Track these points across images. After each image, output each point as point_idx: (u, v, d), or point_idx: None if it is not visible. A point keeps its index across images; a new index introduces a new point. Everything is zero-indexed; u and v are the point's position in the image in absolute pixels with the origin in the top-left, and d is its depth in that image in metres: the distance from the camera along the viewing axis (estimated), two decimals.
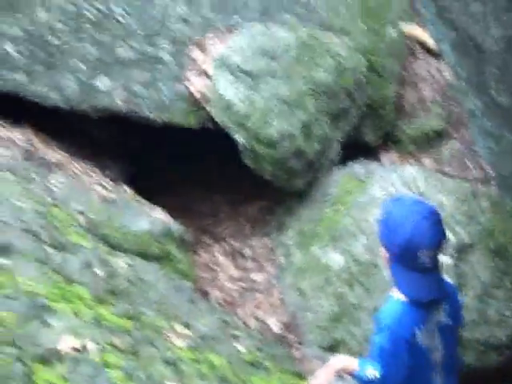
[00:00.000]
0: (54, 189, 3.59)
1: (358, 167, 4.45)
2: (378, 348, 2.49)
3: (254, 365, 3.03)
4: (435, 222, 2.47)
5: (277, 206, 4.66)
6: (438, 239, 2.48)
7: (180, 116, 4.54)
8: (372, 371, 2.49)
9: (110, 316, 2.61)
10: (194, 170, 4.75)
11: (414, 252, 2.40)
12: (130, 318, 2.72)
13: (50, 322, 2.24)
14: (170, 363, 2.56)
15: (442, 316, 2.60)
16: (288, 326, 3.95)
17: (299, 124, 4.39)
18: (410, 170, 4.27)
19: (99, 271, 2.95)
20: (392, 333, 2.47)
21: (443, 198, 4.01)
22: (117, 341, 2.44)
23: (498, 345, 3.65)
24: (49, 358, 2.16)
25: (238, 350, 3.15)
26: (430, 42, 5.27)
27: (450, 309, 2.63)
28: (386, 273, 3.50)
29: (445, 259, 3.70)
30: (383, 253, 2.54)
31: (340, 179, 4.40)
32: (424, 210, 2.45)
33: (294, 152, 4.37)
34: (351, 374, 2.62)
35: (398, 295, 2.56)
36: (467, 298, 3.67)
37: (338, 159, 4.60)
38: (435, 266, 2.50)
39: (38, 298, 2.37)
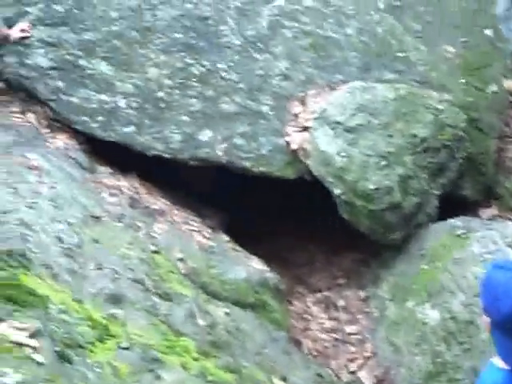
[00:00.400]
0: (157, 236, 3.75)
1: (456, 222, 4.41)
2: None
3: None
4: None
5: (372, 259, 4.67)
6: None
7: (278, 167, 4.67)
8: None
9: (214, 369, 2.69)
10: (290, 221, 4.84)
11: None
12: (231, 371, 2.79)
13: (162, 374, 2.33)
14: None
15: None
16: (381, 381, 3.92)
17: (397, 178, 4.42)
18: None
19: (201, 321, 3.05)
20: None
21: None
22: None
23: None
24: None
25: None
26: None
27: None
28: (486, 335, 3.46)
29: None
30: (485, 318, 2.51)
31: (438, 234, 4.37)
32: None
33: (390, 206, 4.39)
34: None
35: (500, 363, 2.52)
36: None
37: (435, 214, 4.58)
38: None
39: (150, 350, 2.48)
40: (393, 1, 5.15)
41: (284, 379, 3.05)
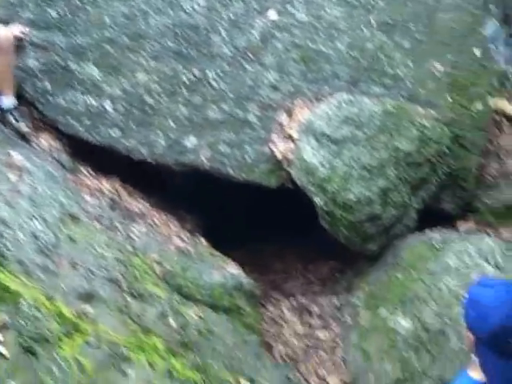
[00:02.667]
0: (135, 238, 3.81)
1: (433, 234, 4.47)
2: None
3: None
4: None
5: (348, 267, 4.73)
6: None
7: (261, 175, 4.74)
8: None
9: (182, 368, 2.74)
10: (270, 228, 4.90)
11: (506, 339, 2.39)
12: (199, 370, 2.84)
13: (128, 371, 2.38)
14: None
15: None
16: None
17: (378, 190, 4.47)
18: (488, 241, 4.25)
19: (173, 322, 3.11)
20: None
21: None
22: None
23: None
24: None
25: None
26: None
27: None
28: (456, 345, 3.51)
29: None
30: (468, 335, 2.56)
31: (414, 245, 4.43)
32: None
33: (370, 217, 4.45)
34: None
35: (474, 374, 2.56)
36: None
37: (414, 226, 4.64)
38: None
39: (118, 348, 2.53)
40: (385, 18, 5.22)
41: (251, 381, 3.10)
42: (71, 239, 3.34)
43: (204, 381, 2.76)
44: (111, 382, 2.31)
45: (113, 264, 3.31)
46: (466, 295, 2.62)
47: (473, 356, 2.57)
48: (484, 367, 2.50)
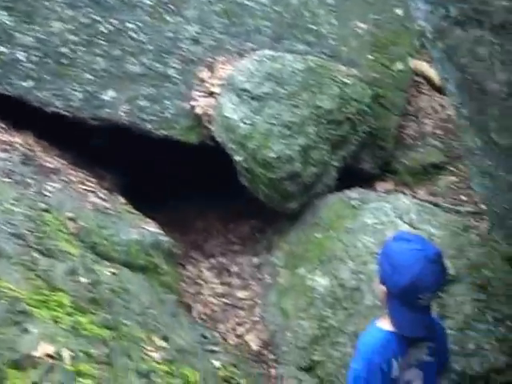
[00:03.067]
0: (49, 195, 3.67)
1: (352, 194, 4.50)
2: (354, 374, 2.57)
3: (229, 381, 3.07)
4: (440, 265, 2.54)
5: (268, 226, 4.73)
6: (440, 282, 2.58)
7: (181, 132, 4.65)
8: None
9: (89, 325, 2.66)
10: (189, 187, 4.83)
11: (416, 294, 2.48)
12: (108, 327, 2.76)
13: (29, 327, 2.29)
14: (144, 375, 2.60)
15: (424, 353, 2.69)
16: (267, 345, 3.99)
17: (298, 148, 4.45)
18: (404, 201, 4.31)
19: (84, 279, 3.01)
20: (370, 362, 2.55)
21: (435, 230, 4.04)
22: (92, 350, 2.48)
23: (474, 376, 3.67)
24: (23, 363, 2.20)
25: (214, 366, 3.19)
26: (436, 79, 5.33)
27: (436, 348, 2.72)
28: (370, 301, 3.59)
29: None
30: (380, 288, 2.60)
31: (333, 204, 4.45)
32: (430, 253, 2.50)
33: (290, 175, 4.44)
34: None
35: (383, 325, 2.64)
36: (448, 329, 3.70)
37: (334, 185, 4.66)
38: (429, 305, 2.59)
39: (19, 303, 2.43)
40: None
41: (165, 339, 3.05)
42: None
43: (114, 338, 2.69)
44: (11, 338, 2.21)
45: (21, 220, 3.17)
46: (381, 249, 2.67)
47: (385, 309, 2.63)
48: (394, 319, 2.58)
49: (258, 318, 4.14)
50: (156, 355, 2.90)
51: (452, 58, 2.68)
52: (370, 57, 5.15)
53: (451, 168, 5.10)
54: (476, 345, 3.70)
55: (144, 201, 4.47)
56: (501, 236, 4.19)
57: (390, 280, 2.53)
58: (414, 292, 2.47)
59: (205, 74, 4.77)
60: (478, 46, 2.46)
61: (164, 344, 3.06)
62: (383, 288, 2.59)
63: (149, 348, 2.92)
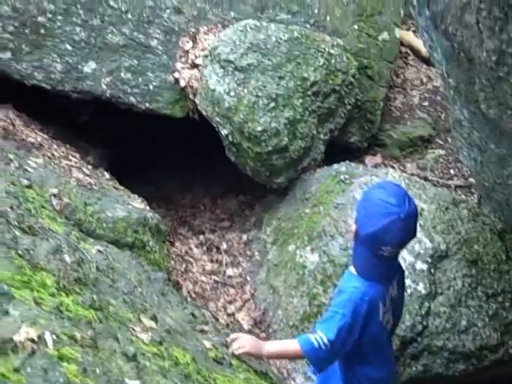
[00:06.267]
0: (31, 170, 3.53)
1: (340, 168, 4.42)
2: (339, 316, 2.58)
3: (219, 362, 2.97)
4: (410, 224, 2.56)
5: (257, 202, 4.64)
6: (406, 241, 2.62)
7: (165, 105, 4.53)
8: (321, 335, 2.58)
9: (74, 306, 2.54)
10: (177, 162, 4.71)
11: (378, 245, 2.53)
12: (94, 308, 2.65)
13: (9, 309, 2.17)
14: (131, 358, 2.49)
15: (393, 290, 2.78)
16: (258, 323, 3.93)
17: (285, 121, 4.36)
18: (393, 174, 4.25)
19: (68, 258, 2.88)
20: (357, 307, 2.58)
21: (424, 204, 3.98)
22: (77, 333, 2.36)
23: (466, 354, 3.65)
24: (4, 348, 2.08)
25: (204, 346, 3.10)
26: (423, 49, 5.25)
27: (398, 280, 2.82)
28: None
29: (420, 266, 3.71)
30: (353, 226, 2.63)
31: (322, 179, 4.37)
32: (402, 210, 2.50)
33: (277, 148, 4.34)
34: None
35: (353, 270, 2.71)
36: (440, 306, 3.67)
37: (322, 159, 4.58)
38: (395, 257, 2.66)
39: None
40: None
41: (154, 318, 2.94)
42: None
43: (100, 319, 2.57)
44: None
45: (2, 196, 3.03)
46: (364, 191, 2.80)
47: None
48: (355, 260, 2.69)
49: (248, 296, 4.07)
50: (144, 336, 2.78)
51: (439, 26, 2.60)
52: (355, 26, 5.03)
53: (439, 141, 5.05)
54: (468, 321, 3.68)
55: (128, 176, 4.35)
56: (489, 209, 4.16)
57: (361, 224, 2.58)
58: (376, 242, 2.52)
59: (188, 44, 4.63)
60: (466, 13, 2.37)
61: (152, 324, 2.95)
62: (354, 227, 2.63)
63: (137, 329, 2.80)
